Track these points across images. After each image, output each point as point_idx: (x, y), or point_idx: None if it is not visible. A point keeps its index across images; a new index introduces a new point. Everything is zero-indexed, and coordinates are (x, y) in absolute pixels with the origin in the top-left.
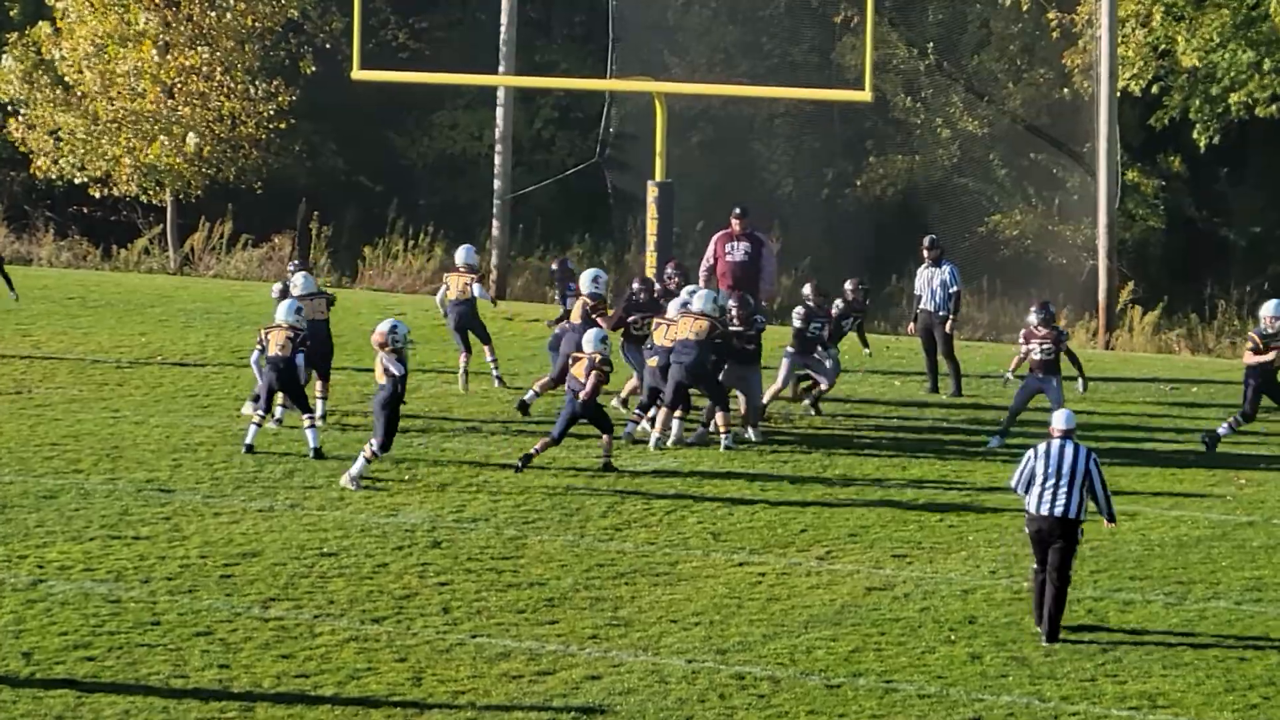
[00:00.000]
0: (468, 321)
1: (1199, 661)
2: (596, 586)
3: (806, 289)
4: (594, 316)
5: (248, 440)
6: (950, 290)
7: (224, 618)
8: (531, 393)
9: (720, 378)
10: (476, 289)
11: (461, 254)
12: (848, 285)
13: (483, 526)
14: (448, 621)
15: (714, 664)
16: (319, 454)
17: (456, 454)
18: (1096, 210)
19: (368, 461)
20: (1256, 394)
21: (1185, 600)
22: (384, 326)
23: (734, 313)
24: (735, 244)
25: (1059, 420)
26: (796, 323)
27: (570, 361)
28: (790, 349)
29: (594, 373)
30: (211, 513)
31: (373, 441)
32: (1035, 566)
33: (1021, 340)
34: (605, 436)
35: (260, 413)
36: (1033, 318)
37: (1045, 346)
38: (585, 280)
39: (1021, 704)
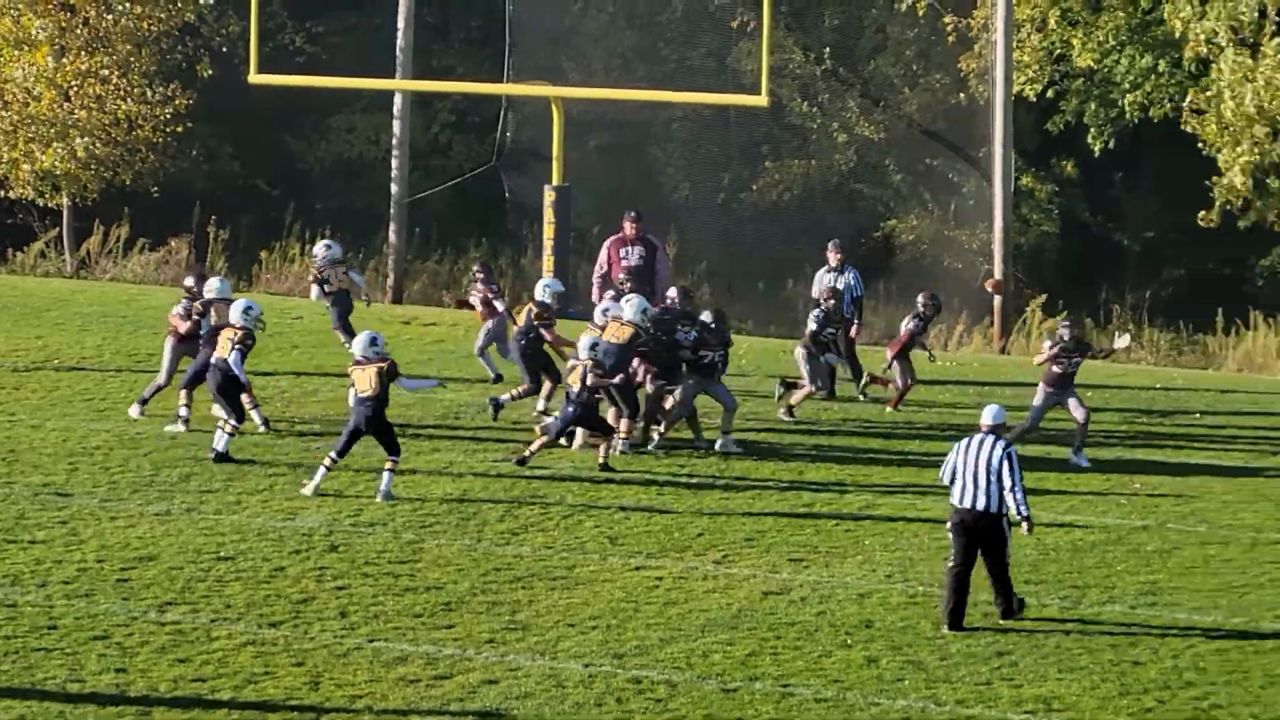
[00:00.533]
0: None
1: (1094, 665)
2: (493, 590)
3: (921, 297)
4: (538, 325)
5: (219, 447)
6: (855, 295)
7: (120, 622)
8: (508, 396)
9: (683, 390)
10: (355, 276)
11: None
12: (920, 297)
13: (380, 530)
14: (345, 625)
15: (611, 668)
16: (221, 458)
17: (353, 458)
18: (992, 215)
19: (393, 474)
20: None
21: (1080, 604)
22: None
23: (710, 326)
24: (630, 248)
25: (986, 415)
26: (813, 325)
27: (569, 368)
28: (806, 346)
29: (589, 377)
30: (108, 517)
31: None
32: (950, 561)
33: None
34: (605, 440)
35: (233, 421)
36: (1064, 332)
37: (1074, 359)
38: (538, 288)
39: (918, 708)
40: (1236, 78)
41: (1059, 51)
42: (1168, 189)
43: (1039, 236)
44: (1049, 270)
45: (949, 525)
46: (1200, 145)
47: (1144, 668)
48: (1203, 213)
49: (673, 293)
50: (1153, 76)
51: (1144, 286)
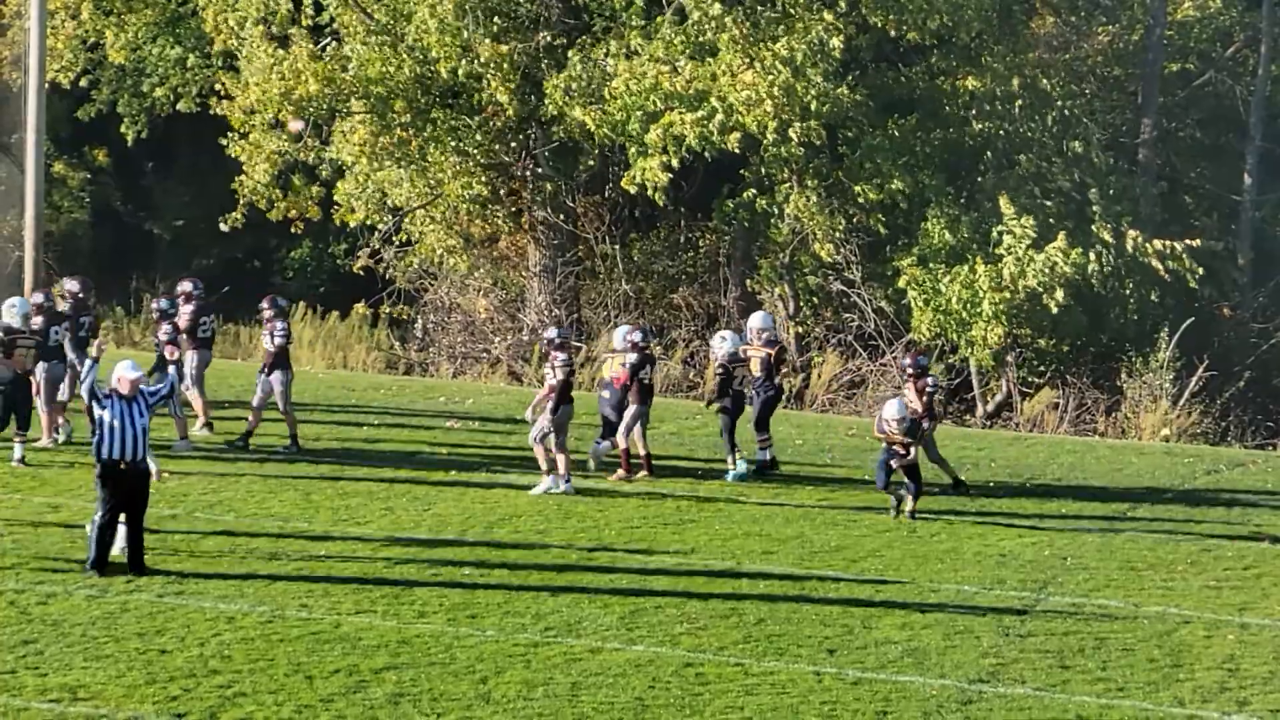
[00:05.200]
0: None
1: (121, 653)
2: None
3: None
4: None
5: None
6: None
7: None
8: None
9: None
10: None
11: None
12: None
13: None
14: None
15: None
16: None
17: None
18: (24, 202)
19: None
20: None
21: (108, 593)
22: None
23: None
24: None
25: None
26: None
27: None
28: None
29: None
30: None
31: None
32: None
33: None
34: None
35: None
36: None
37: None
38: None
39: None
40: (266, 66)
41: (93, 40)
42: (196, 179)
43: (71, 224)
44: (82, 258)
45: None
46: (226, 138)
47: (171, 656)
48: (226, 215)
49: None
50: (182, 70)
51: (175, 275)
